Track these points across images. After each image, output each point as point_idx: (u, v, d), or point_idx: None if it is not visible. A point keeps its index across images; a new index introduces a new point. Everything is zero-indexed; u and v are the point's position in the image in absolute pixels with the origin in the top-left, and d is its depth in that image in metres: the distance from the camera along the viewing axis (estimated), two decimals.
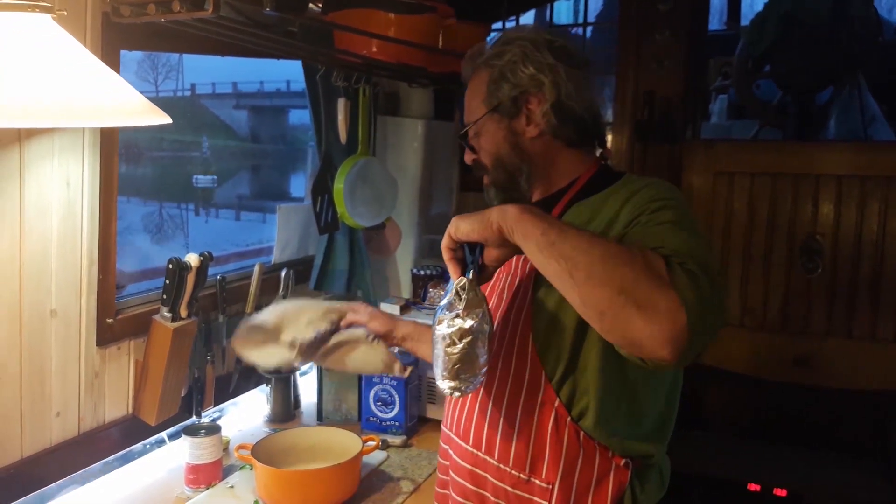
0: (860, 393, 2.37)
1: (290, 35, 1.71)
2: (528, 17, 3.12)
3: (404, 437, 1.75)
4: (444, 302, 1.00)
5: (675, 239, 0.94)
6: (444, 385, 1.02)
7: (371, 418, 1.79)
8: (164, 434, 1.66)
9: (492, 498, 1.14)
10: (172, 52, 1.70)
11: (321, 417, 1.90)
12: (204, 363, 1.73)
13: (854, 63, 2.82)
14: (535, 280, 1.10)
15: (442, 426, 1.28)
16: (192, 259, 1.56)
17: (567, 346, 1.07)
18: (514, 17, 2.81)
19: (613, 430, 1.08)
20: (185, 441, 1.51)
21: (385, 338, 1.43)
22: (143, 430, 1.60)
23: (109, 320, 1.50)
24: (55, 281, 1.38)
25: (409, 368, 1.49)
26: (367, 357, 1.45)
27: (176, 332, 1.54)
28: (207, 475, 1.51)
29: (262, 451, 1.45)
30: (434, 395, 1.86)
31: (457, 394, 1.02)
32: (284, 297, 1.99)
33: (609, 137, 2.63)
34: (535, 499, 1.10)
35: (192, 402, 1.70)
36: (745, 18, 3.49)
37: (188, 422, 1.68)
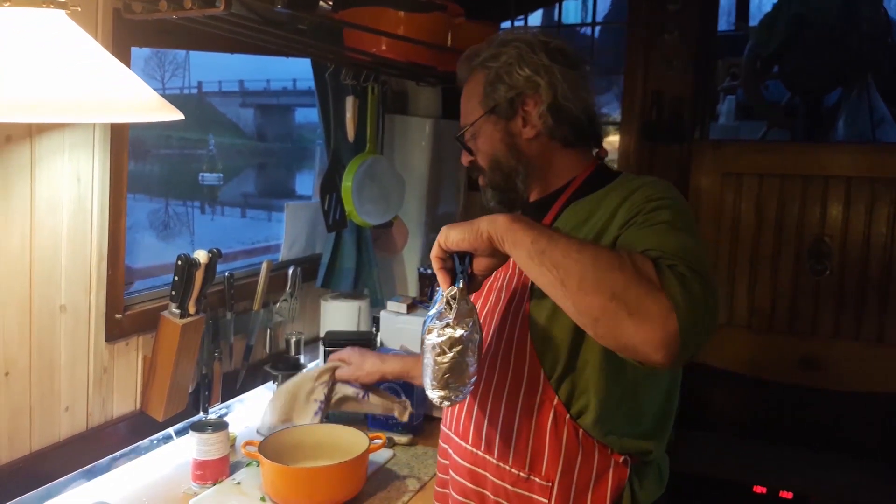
0: (867, 395, 2.36)
1: (299, 33, 1.71)
2: (535, 17, 3.12)
3: (410, 436, 1.75)
4: (434, 311, 1.01)
5: (669, 240, 0.94)
6: (433, 394, 1.02)
7: (378, 416, 1.79)
8: (171, 430, 1.66)
9: (492, 496, 1.14)
10: (182, 49, 1.71)
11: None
12: (211, 360, 1.73)
13: (863, 64, 2.82)
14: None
15: (441, 425, 1.28)
16: (201, 256, 1.56)
17: (565, 345, 1.07)
18: (522, 16, 2.81)
19: (612, 428, 1.09)
20: (192, 437, 1.51)
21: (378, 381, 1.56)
22: (150, 426, 1.60)
23: (118, 316, 1.50)
24: (65, 276, 1.39)
25: (409, 411, 1.61)
26: (369, 406, 1.62)
27: (184, 328, 1.54)
28: (214, 471, 1.51)
29: (269, 448, 1.45)
30: None
31: (446, 403, 1.02)
32: (292, 294, 2.00)
33: (616, 137, 2.63)
34: (535, 496, 1.10)
35: (200, 398, 1.71)
36: (754, 19, 3.49)
37: (195, 418, 1.68)
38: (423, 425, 1.83)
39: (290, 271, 2.00)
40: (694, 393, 2.56)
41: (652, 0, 2.50)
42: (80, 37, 0.97)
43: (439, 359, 0.99)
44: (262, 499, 1.45)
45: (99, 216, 1.44)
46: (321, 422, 1.59)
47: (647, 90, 2.52)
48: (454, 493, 1.21)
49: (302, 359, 1.98)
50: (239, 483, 1.52)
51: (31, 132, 1.29)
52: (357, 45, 1.86)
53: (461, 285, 0.99)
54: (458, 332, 0.98)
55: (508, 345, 1.13)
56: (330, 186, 2.06)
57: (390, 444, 1.71)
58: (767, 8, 3.00)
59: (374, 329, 2.14)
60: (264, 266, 1.89)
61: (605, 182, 1.14)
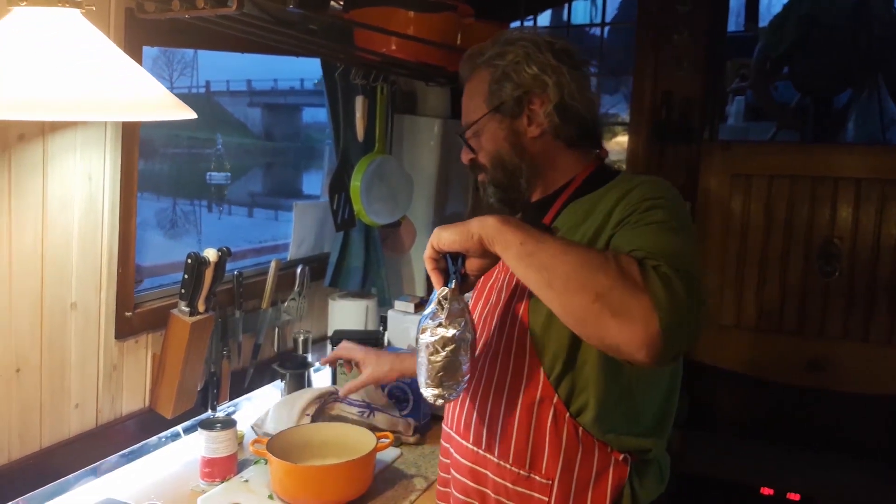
0: (876, 397, 2.35)
1: (310, 32, 1.72)
2: (544, 17, 3.12)
3: (418, 435, 1.76)
4: (428, 311, 1.03)
5: (658, 240, 0.95)
6: (427, 392, 1.04)
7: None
8: (179, 427, 1.66)
9: (492, 495, 1.15)
10: (193, 49, 1.71)
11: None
12: (220, 358, 1.74)
13: (873, 65, 2.80)
14: None
15: (443, 425, 1.28)
16: (211, 254, 1.57)
17: (564, 343, 1.07)
18: (531, 17, 2.81)
19: (612, 426, 1.09)
20: (200, 435, 1.51)
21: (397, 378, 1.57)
22: (159, 424, 1.61)
23: (128, 314, 1.51)
24: (76, 274, 1.40)
25: (415, 437, 1.70)
26: (374, 423, 1.68)
27: (194, 326, 1.55)
28: (222, 469, 1.51)
29: (276, 446, 1.46)
30: None
31: (440, 401, 1.04)
32: (300, 293, 2.00)
33: (625, 138, 2.63)
34: (536, 495, 1.10)
35: (208, 396, 1.71)
36: (763, 20, 3.48)
37: (204, 416, 1.69)
38: (430, 424, 1.83)
39: (299, 270, 2.01)
40: (702, 394, 2.56)
41: (662, 0, 2.49)
42: (94, 36, 0.98)
43: (433, 358, 1.01)
44: (270, 497, 1.45)
45: (110, 215, 1.45)
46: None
47: (656, 91, 2.52)
48: (455, 492, 1.21)
49: (309, 357, 1.99)
50: (247, 481, 1.52)
51: (44, 130, 1.29)
52: (367, 45, 1.86)
53: (453, 286, 1.01)
54: (451, 332, 1.00)
55: (508, 343, 1.13)
56: (339, 186, 2.07)
57: (397, 442, 1.71)
58: (777, 9, 2.99)
59: (381, 328, 2.14)
60: (273, 265, 1.89)
61: (604, 181, 1.15)
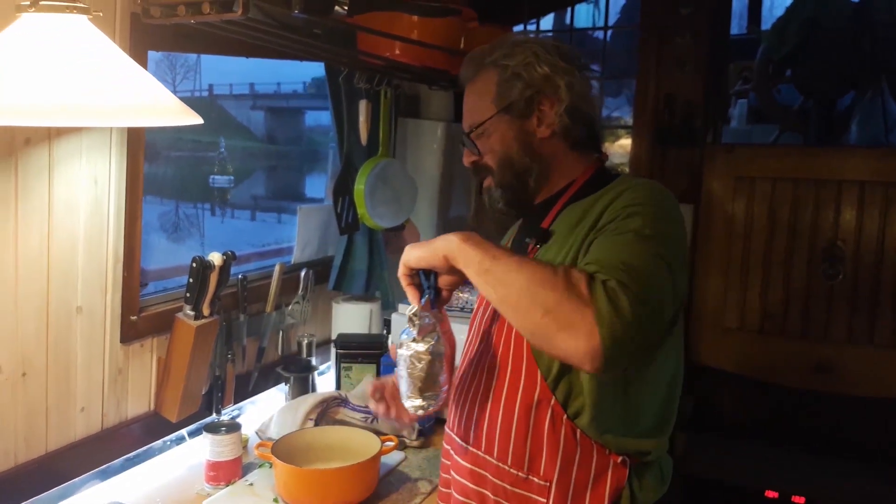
0: (880, 400, 2.34)
1: (314, 37, 1.72)
2: (547, 21, 3.12)
3: (422, 438, 1.76)
4: (406, 327, 1.09)
5: (621, 252, 0.97)
6: (409, 403, 1.10)
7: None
8: (184, 431, 1.67)
9: (492, 496, 1.15)
10: (198, 53, 1.72)
11: None
12: (224, 361, 1.74)
13: (876, 68, 2.80)
14: None
15: (445, 427, 1.29)
16: (216, 258, 1.57)
17: None
18: (534, 20, 2.82)
19: (609, 428, 1.09)
20: (205, 438, 1.51)
21: None
22: (164, 427, 1.61)
23: (133, 317, 1.51)
24: (81, 278, 1.40)
25: (419, 441, 1.72)
26: (378, 427, 1.70)
27: (199, 329, 1.55)
28: (227, 472, 1.52)
29: (281, 450, 1.46)
30: None
31: (420, 411, 1.10)
32: (304, 296, 2.01)
33: (628, 141, 2.63)
34: (534, 496, 1.10)
35: (213, 399, 1.72)
36: (766, 22, 3.48)
37: (209, 419, 1.69)
38: (434, 428, 1.84)
39: (303, 274, 2.01)
40: (706, 396, 2.56)
41: (664, 3, 2.50)
42: (102, 42, 0.98)
43: (411, 371, 1.08)
44: (275, 500, 1.45)
45: (115, 218, 1.45)
46: None
47: (658, 94, 2.52)
48: (456, 494, 1.22)
49: (313, 361, 1.99)
50: (252, 484, 1.52)
51: (50, 135, 1.30)
52: (371, 49, 1.87)
53: (425, 302, 1.06)
54: (424, 346, 1.07)
55: (506, 346, 1.14)
56: (343, 189, 2.07)
57: (402, 446, 1.71)
58: (779, 11, 2.98)
59: (385, 332, 2.15)
60: (277, 268, 1.90)
61: (603, 184, 1.15)
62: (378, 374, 1.89)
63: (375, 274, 2.21)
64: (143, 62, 1.44)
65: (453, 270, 1.04)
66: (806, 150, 2.69)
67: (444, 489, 1.29)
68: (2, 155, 1.22)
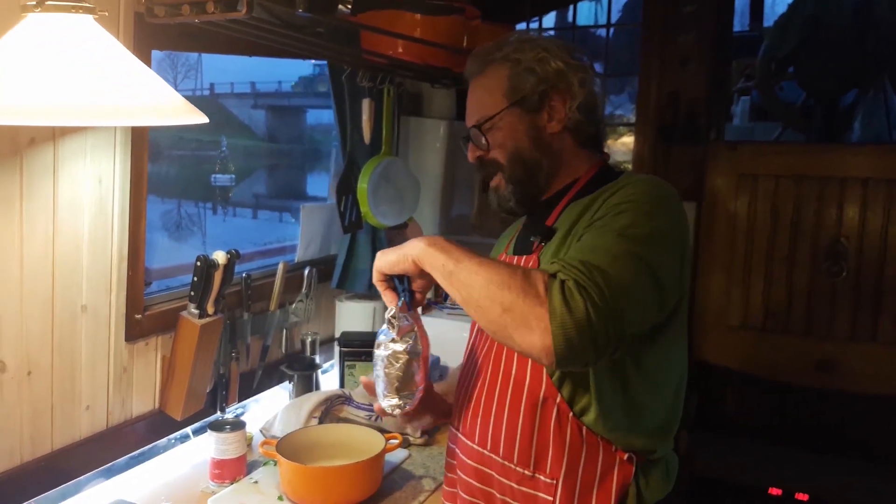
0: (884, 397, 2.34)
1: (317, 36, 1.72)
2: (549, 19, 3.12)
3: (426, 436, 1.76)
4: (382, 328, 1.12)
5: (593, 251, 0.98)
6: (384, 403, 1.13)
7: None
8: (189, 429, 1.67)
9: (498, 495, 1.15)
10: (202, 52, 1.72)
11: None
12: (228, 360, 1.74)
13: (879, 65, 2.79)
14: None
15: (450, 425, 1.29)
16: (220, 257, 1.57)
17: None
18: (537, 18, 2.81)
19: (615, 426, 1.09)
20: (210, 436, 1.52)
21: None
22: (168, 425, 1.62)
23: (138, 316, 1.52)
24: (86, 277, 1.40)
25: (423, 438, 1.73)
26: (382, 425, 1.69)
27: (203, 328, 1.56)
28: (232, 470, 1.52)
29: (286, 447, 1.46)
30: None
31: (397, 411, 1.13)
32: (308, 295, 2.01)
33: (631, 139, 2.63)
34: (541, 495, 1.10)
35: (217, 398, 1.72)
36: (768, 20, 3.47)
37: (213, 417, 1.69)
38: (439, 426, 1.84)
39: (306, 272, 2.01)
40: (710, 394, 2.56)
41: (667, 1, 2.49)
42: (107, 41, 0.98)
43: (388, 371, 1.10)
44: (280, 498, 1.46)
45: (119, 218, 1.46)
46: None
47: (661, 92, 2.52)
48: (462, 493, 1.22)
49: (317, 359, 1.99)
50: (256, 482, 1.52)
51: (55, 134, 1.30)
52: (374, 47, 1.87)
53: (401, 304, 1.09)
54: (401, 346, 1.09)
55: None
56: (346, 188, 2.07)
57: (406, 444, 1.72)
58: (781, 9, 2.98)
59: None
60: (280, 267, 1.90)
61: (606, 181, 1.16)
62: None
63: None
64: (146, 61, 1.43)
65: (424, 273, 1.06)
66: (809, 147, 2.69)
67: (449, 489, 1.29)
68: (7, 154, 1.23)
